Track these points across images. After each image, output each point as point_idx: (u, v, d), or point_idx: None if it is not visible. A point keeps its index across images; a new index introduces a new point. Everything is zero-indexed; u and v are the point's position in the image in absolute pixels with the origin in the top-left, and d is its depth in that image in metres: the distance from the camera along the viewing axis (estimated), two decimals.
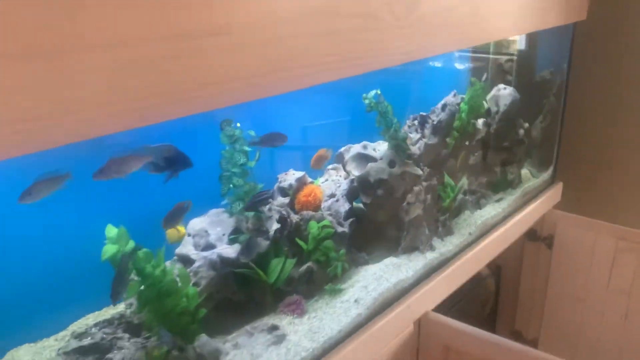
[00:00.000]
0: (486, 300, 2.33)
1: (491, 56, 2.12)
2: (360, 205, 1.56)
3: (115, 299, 1.11)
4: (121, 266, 1.07)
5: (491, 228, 1.78)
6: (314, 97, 1.61)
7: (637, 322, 1.98)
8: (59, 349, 1.12)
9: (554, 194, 2.13)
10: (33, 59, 0.61)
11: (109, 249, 1.05)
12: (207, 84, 0.80)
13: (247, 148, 1.25)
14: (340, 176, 1.56)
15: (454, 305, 1.98)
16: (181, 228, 1.31)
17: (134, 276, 1.07)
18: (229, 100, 0.85)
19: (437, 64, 2.11)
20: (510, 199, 1.92)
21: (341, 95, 1.69)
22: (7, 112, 0.60)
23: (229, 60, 0.81)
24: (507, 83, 2.06)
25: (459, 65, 2.18)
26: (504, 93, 1.88)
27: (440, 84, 2.06)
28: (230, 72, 0.82)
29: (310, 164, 1.52)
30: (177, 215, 1.20)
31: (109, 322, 1.18)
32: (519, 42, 2.12)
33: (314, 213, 1.38)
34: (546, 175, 2.14)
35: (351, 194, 1.52)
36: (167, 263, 1.23)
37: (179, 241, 1.30)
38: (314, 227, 1.33)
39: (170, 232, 1.28)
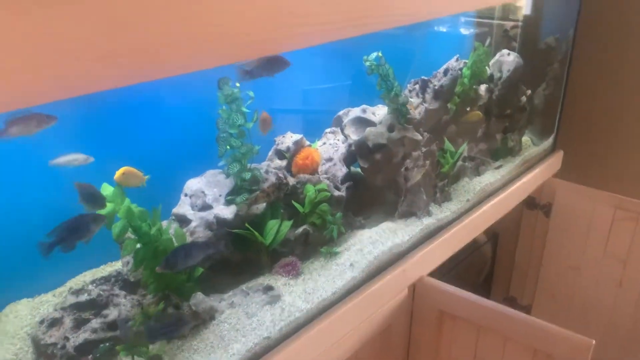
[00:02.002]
0: (482, 267, 2.35)
1: (495, 21, 2.08)
2: (358, 169, 1.56)
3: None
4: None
5: (489, 195, 1.78)
6: (314, 59, 1.59)
7: (631, 290, 2.00)
8: (56, 304, 1.13)
9: (554, 162, 2.12)
10: (29, 12, 0.59)
11: (105, 207, 1.05)
12: (211, 40, 0.79)
13: (244, 109, 1.24)
14: (338, 140, 1.55)
15: (450, 270, 1.99)
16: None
17: (130, 234, 1.08)
18: (231, 57, 0.84)
19: (442, 29, 2.08)
20: (510, 166, 1.91)
21: (342, 58, 1.67)
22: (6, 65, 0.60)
23: (232, 16, 0.80)
24: (512, 49, 2.03)
25: (463, 31, 2.14)
26: (508, 59, 1.85)
27: (444, 49, 2.02)
28: (233, 28, 0.81)
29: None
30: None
31: (105, 280, 1.19)
32: (525, 7, 2.07)
33: (310, 176, 1.38)
34: (547, 143, 2.13)
35: (349, 158, 1.52)
36: (164, 222, 1.23)
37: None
38: (310, 191, 1.33)
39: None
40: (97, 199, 1.06)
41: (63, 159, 1.07)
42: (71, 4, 0.63)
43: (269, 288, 1.21)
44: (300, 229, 1.32)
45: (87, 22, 0.65)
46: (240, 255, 1.28)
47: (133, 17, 0.69)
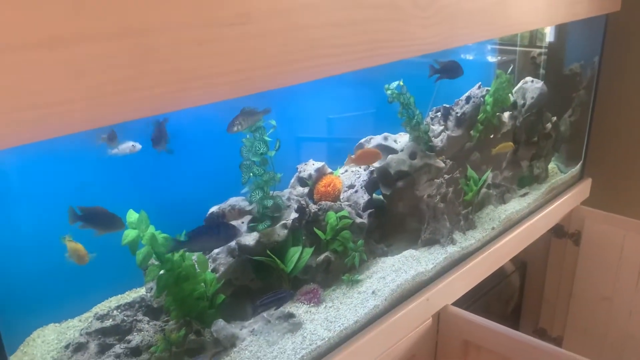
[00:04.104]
0: (510, 296, 2.30)
1: (518, 48, 2.07)
2: (380, 196, 1.56)
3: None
4: None
5: (516, 223, 1.75)
6: (336, 88, 1.61)
7: None
8: (82, 330, 1.15)
9: (582, 189, 2.08)
10: (52, 47, 0.62)
11: (129, 234, 1.08)
12: (229, 72, 0.80)
13: (267, 138, 1.26)
14: (360, 167, 1.56)
15: (477, 300, 1.96)
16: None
17: (153, 260, 1.10)
18: (248, 89, 0.85)
19: (469, 57, 2.08)
20: (536, 193, 1.88)
21: (364, 86, 1.69)
22: (30, 98, 0.62)
23: (250, 48, 0.82)
24: (540, 77, 2.02)
25: (490, 58, 2.14)
26: (531, 86, 1.84)
27: (469, 76, 2.03)
28: (251, 60, 0.82)
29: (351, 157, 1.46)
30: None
31: (130, 305, 1.21)
32: (549, 34, 2.07)
33: (332, 203, 1.38)
34: (574, 170, 2.09)
35: (371, 185, 1.52)
36: None
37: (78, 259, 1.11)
38: (331, 217, 1.34)
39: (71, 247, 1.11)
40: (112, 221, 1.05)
41: (122, 147, 1.14)
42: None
43: (290, 316, 1.21)
44: (322, 256, 1.32)
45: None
46: (262, 282, 1.29)
47: (161, 51, 0.72)
